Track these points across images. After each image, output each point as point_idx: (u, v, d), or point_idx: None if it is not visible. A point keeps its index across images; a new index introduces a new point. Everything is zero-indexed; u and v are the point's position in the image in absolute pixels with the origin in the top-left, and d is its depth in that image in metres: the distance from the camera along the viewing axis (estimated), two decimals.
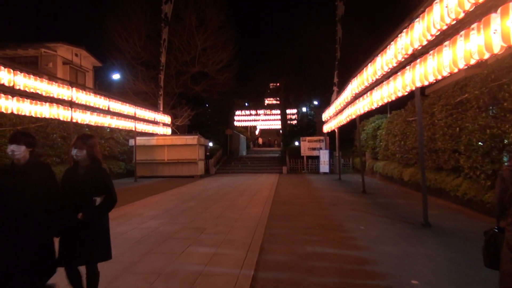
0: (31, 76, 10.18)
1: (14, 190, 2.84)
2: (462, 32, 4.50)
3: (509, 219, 2.68)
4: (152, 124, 19.95)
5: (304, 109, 35.93)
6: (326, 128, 19.97)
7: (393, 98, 7.83)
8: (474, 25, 4.25)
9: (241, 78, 30.32)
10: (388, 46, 7.20)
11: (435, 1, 5.01)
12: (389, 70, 7.53)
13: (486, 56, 4.16)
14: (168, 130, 22.06)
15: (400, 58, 6.63)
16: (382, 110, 16.37)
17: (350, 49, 22.81)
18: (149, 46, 24.29)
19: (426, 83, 5.94)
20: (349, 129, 19.89)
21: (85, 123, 13.78)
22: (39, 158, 12.72)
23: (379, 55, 7.83)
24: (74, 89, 12.32)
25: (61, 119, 11.98)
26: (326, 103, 22.75)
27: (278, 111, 36.42)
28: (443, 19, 4.79)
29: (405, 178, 12.47)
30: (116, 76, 25.81)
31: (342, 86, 14.95)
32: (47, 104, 11.10)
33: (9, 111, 9.63)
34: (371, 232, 6.39)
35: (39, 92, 10.50)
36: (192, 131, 25.74)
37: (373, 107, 9.64)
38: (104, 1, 50.02)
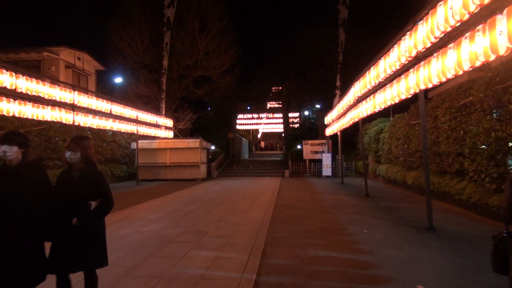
0: (33, 79, 10.20)
1: (5, 192, 2.75)
2: (467, 34, 4.46)
3: None
4: (154, 127, 19.96)
5: (306, 113, 35.88)
6: (329, 132, 19.92)
7: (397, 101, 7.78)
8: (480, 27, 4.20)
9: (244, 82, 30.42)
10: (391, 49, 7.15)
11: (439, 3, 4.96)
12: (392, 73, 7.48)
13: (492, 58, 4.11)
14: (170, 134, 22.06)
15: (403, 60, 6.58)
16: (385, 113, 16.32)
17: (352, 52, 22.83)
18: (151, 50, 24.34)
19: (430, 85, 5.88)
20: (352, 132, 19.83)
21: (87, 126, 13.78)
22: (41, 161, 12.80)
23: (382, 58, 7.79)
24: (76, 92, 12.33)
25: (64, 122, 11.98)
26: (328, 106, 22.70)
27: (281, 115, 36.36)
28: (447, 21, 4.74)
29: (408, 181, 12.40)
30: (118, 80, 25.87)
31: (344, 90, 14.90)
32: (49, 107, 11.11)
33: (11, 114, 9.63)
34: (374, 235, 6.32)
35: (41, 95, 10.52)
36: (194, 134, 25.71)
37: (376, 110, 9.59)
38: (107, 5, 50.34)
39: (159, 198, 12.02)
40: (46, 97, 10.72)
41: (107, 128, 15.46)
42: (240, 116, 37.06)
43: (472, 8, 4.20)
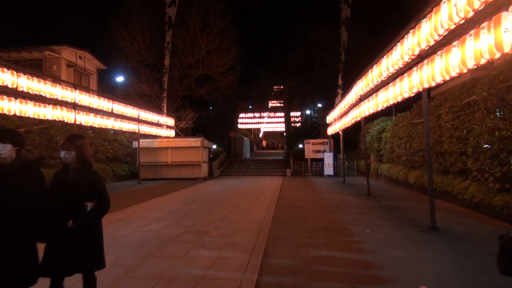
0: (35, 78, 10.18)
1: (5, 192, 2.68)
2: (472, 31, 4.39)
3: None
4: (156, 126, 19.95)
5: (308, 112, 35.80)
6: (330, 131, 19.87)
7: (399, 100, 7.73)
8: (484, 24, 4.14)
9: (245, 81, 30.31)
10: (394, 47, 7.09)
11: (443, 1, 4.90)
12: (395, 71, 7.43)
13: (497, 55, 4.05)
14: (172, 133, 22.05)
15: (407, 59, 6.53)
16: (387, 112, 16.26)
17: (353, 51, 22.73)
18: (153, 48, 24.32)
19: (433, 84, 5.82)
20: (354, 131, 19.76)
21: (88, 125, 13.77)
22: (43, 160, 12.78)
23: (385, 56, 7.73)
24: (77, 91, 12.32)
25: (65, 121, 11.97)
26: (330, 105, 22.64)
27: (282, 114, 36.28)
28: (452, 19, 4.68)
29: (410, 180, 12.33)
30: (120, 79, 25.86)
31: (346, 89, 14.84)
32: (51, 106, 11.09)
33: (12, 113, 9.61)
34: (376, 235, 6.27)
35: (43, 94, 10.51)
36: (196, 133, 25.70)
37: (379, 109, 9.54)
38: (109, 4, 50.34)
39: (160, 197, 11.99)
40: (47, 96, 10.72)
41: (108, 127, 15.46)
42: (241, 115, 37.01)
43: (477, 5, 4.14)
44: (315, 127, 31.52)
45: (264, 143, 55.44)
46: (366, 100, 10.54)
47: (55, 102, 11.30)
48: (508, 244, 2.73)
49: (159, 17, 22.50)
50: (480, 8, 4.20)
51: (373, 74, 8.81)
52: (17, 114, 9.81)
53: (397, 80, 7.49)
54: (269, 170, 24.54)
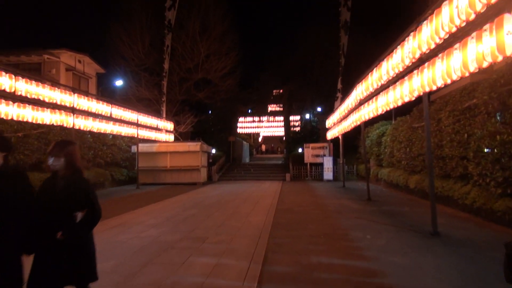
0: (33, 81, 10.10)
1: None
2: (474, 34, 4.34)
3: None
4: (155, 130, 19.87)
5: (307, 116, 35.74)
6: (330, 135, 19.80)
7: (400, 104, 7.67)
8: (487, 26, 4.08)
9: (245, 85, 30.30)
10: (394, 51, 7.04)
11: (444, 3, 4.85)
12: (395, 74, 7.37)
13: (499, 58, 3.99)
14: (171, 137, 21.96)
15: (407, 62, 6.47)
16: (387, 116, 16.20)
17: (353, 55, 22.72)
18: (152, 52, 24.30)
19: (434, 87, 5.77)
20: (353, 135, 19.69)
21: (87, 129, 13.70)
22: (41, 165, 12.68)
23: (385, 59, 7.67)
24: (76, 95, 12.24)
25: (64, 125, 11.90)
26: (329, 109, 22.59)
27: (282, 118, 36.22)
28: (453, 21, 4.62)
29: (411, 185, 12.24)
30: (119, 83, 25.82)
31: (346, 93, 14.79)
32: (49, 110, 11.02)
33: (10, 117, 9.54)
34: (378, 241, 6.18)
35: (41, 98, 10.41)
36: (195, 138, 25.62)
37: (379, 113, 9.48)
38: (108, 8, 50.42)
39: (159, 203, 11.89)
40: (46, 100, 10.62)
41: (107, 132, 15.38)
42: (241, 119, 36.95)
43: (479, 7, 4.08)
44: (314, 131, 31.45)
45: (263, 147, 55.37)
46: (366, 104, 10.48)
47: (53, 106, 11.22)
48: None
49: (159, 21, 22.51)
50: (482, 11, 4.14)
51: (373, 77, 8.75)
52: (15, 118, 9.74)
53: (397, 83, 7.43)
54: (269, 174, 24.45)
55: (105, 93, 25.92)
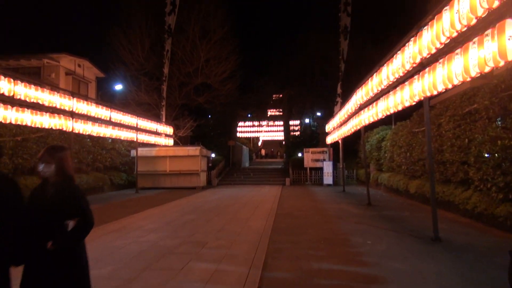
0: (32, 85, 10.07)
1: None
2: (476, 39, 4.32)
3: None
4: (154, 135, 19.84)
5: (307, 120, 35.76)
6: (330, 139, 19.77)
7: (400, 109, 7.64)
8: (488, 31, 4.07)
9: (244, 89, 30.24)
10: (395, 55, 7.03)
11: (445, 8, 4.84)
12: (395, 79, 7.35)
13: (501, 63, 3.97)
14: (170, 141, 21.92)
15: (408, 67, 6.45)
16: (387, 121, 16.17)
17: (354, 60, 22.75)
18: (152, 57, 24.30)
19: (435, 92, 5.74)
20: (353, 140, 19.67)
21: (86, 133, 13.66)
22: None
23: (385, 64, 7.66)
24: (75, 99, 12.22)
25: (63, 129, 11.86)
26: (329, 114, 22.58)
27: (281, 122, 36.28)
28: (454, 26, 4.61)
29: (411, 190, 12.20)
30: (118, 87, 25.83)
31: (346, 97, 14.78)
32: (48, 114, 10.99)
33: (8, 121, 9.51)
34: (378, 246, 6.13)
35: (40, 102, 10.39)
36: (194, 142, 25.56)
37: (379, 118, 9.45)
38: (108, 12, 50.54)
39: (158, 207, 11.83)
40: (46, 103, 10.60)
41: (106, 136, 15.35)
42: (240, 123, 37.00)
43: (480, 12, 4.06)
44: (314, 136, 31.43)
45: (263, 151, 55.37)
46: (366, 109, 10.46)
47: (52, 110, 11.19)
48: None
49: (159, 26, 22.56)
50: (483, 16, 4.13)
51: (373, 82, 8.73)
52: (13, 122, 9.70)
53: (397, 88, 7.41)
54: (268, 179, 24.39)
55: (105, 98, 25.91)
